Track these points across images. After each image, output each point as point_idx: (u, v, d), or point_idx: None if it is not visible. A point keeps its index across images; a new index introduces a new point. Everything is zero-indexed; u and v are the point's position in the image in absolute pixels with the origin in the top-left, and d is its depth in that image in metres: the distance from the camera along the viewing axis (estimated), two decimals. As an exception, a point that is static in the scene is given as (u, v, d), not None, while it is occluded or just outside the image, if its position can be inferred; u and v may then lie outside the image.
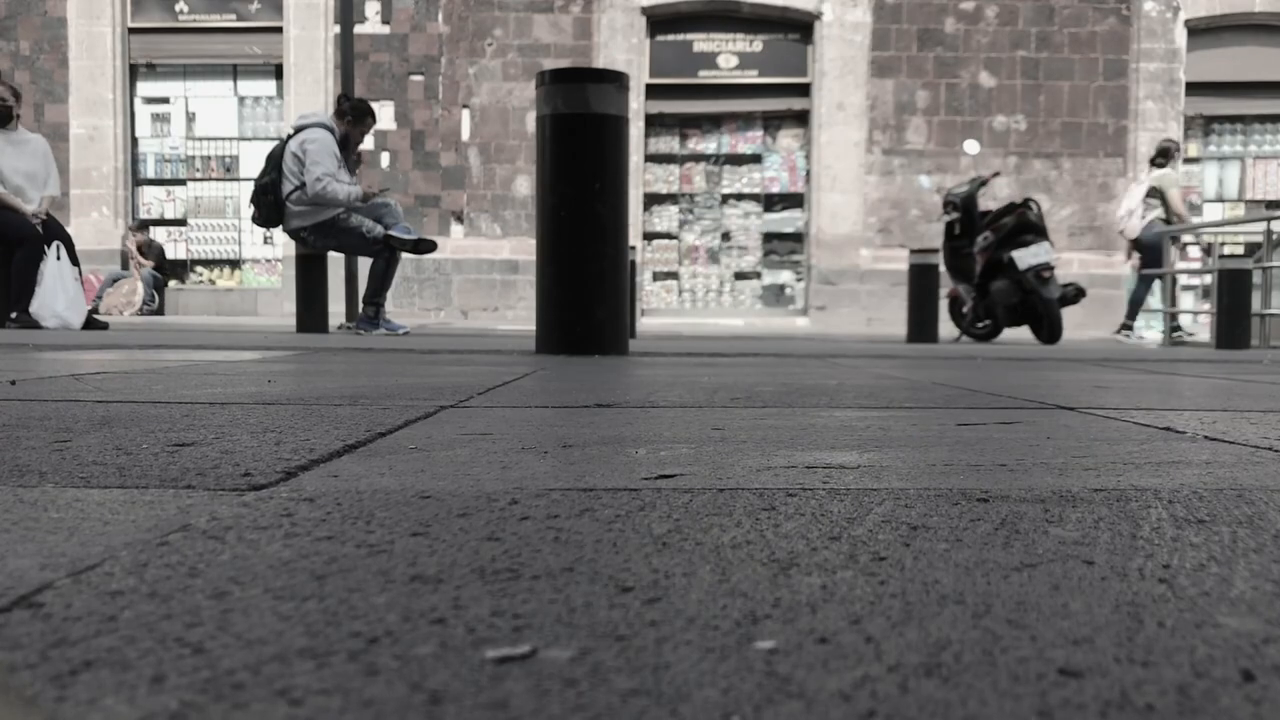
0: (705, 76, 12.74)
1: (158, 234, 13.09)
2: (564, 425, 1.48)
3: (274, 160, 6.40)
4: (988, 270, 7.23)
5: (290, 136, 6.38)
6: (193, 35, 12.85)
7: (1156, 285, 9.21)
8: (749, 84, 12.74)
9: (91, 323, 6.52)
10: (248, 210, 12.96)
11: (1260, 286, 7.26)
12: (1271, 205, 12.75)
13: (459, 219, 12.47)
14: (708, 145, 13.00)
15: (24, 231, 6.28)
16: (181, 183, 13.16)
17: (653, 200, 13.00)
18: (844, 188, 12.43)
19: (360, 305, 6.47)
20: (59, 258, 6.31)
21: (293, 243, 6.65)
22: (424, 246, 6.42)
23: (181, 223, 13.19)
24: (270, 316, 12.40)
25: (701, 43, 12.77)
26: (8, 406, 1.61)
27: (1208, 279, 12.01)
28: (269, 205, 6.39)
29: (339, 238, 6.36)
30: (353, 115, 6.44)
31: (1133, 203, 9.04)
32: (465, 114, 12.41)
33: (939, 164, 12.37)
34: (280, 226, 6.47)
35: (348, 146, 6.47)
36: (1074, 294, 6.93)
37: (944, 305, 7.86)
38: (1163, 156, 8.99)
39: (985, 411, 1.80)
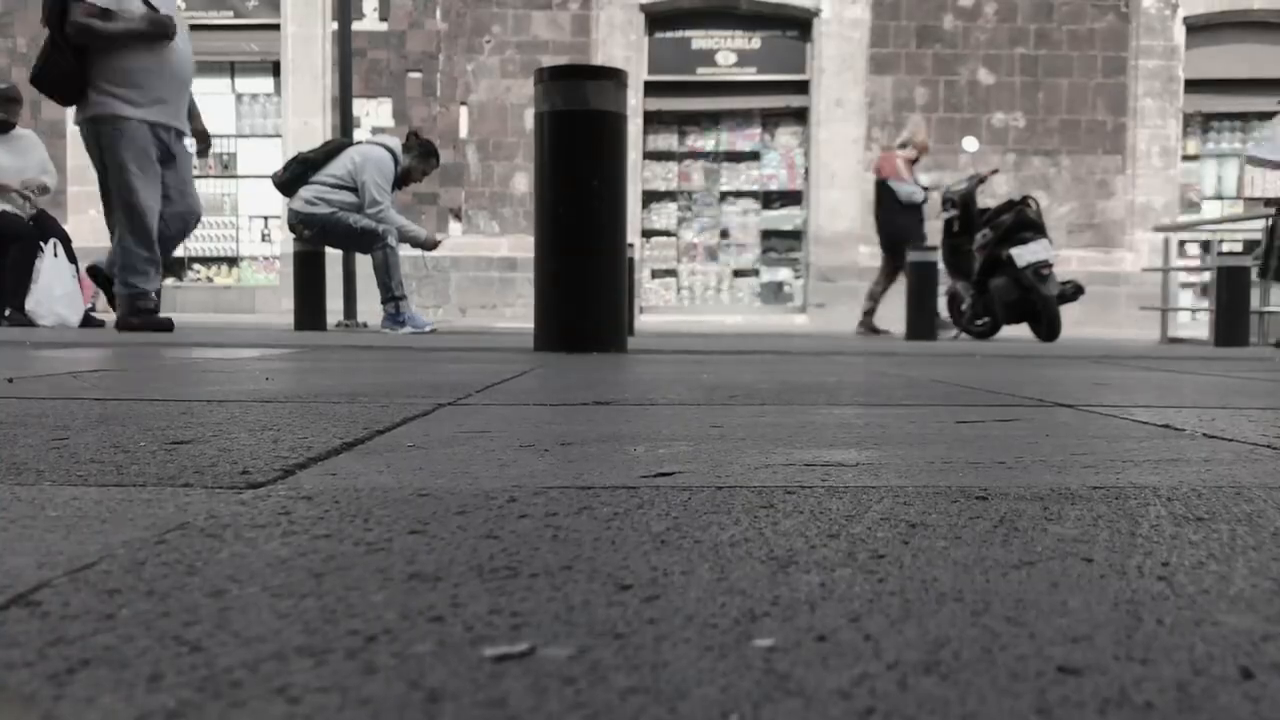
0: (704, 74, 12.73)
1: (156, 231, 13.07)
2: (562, 423, 1.48)
3: (331, 149, 6.44)
4: (986, 267, 7.23)
5: (358, 142, 6.50)
6: (190, 32, 12.83)
7: None
8: (747, 81, 12.74)
9: (89, 320, 6.51)
10: (248, 204, 12.99)
11: (1259, 284, 7.27)
12: (1270, 203, 12.74)
13: (457, 216, 12.47)
14: (706, 142, 13.00)
15: (17, 229, 6.27)
16: (179, 180, 13.15)
17: (651, 197, 13.00)
18: (842, 185, 12.43)
19: (381, 305, 6.46)
20: (56, 255, 6.31)
21: (291, 240, 6.65)
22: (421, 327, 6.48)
23: (179, 220, 13.18)
24: (268, 314, 12.39)
25: (700, 40, 12.76)
26: (5, 404, 1.61)
27: (1206, 276, 12.02)
28: (295, 175, 6.42)
29: (334, 233, 6.36)
30: (420, 151, 6.50)
31: None
32: (463, 111, 12.40)
33: (938, 161, 12.37)
34: (289, 197, 6.47)
35: (407, 181, 6.54)
36: (1072, 291, 6.93)
37: (943, 303, 7.87)
38: None
39: (984, 409, 1.80)
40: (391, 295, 6.37)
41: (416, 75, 12.41)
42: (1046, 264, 6.89)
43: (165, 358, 3.06)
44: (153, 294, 5.28)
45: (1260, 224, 8.28)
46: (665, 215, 13.06)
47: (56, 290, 6.28)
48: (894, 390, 2.22)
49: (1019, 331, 8.65)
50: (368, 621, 0.52)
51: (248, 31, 12.78)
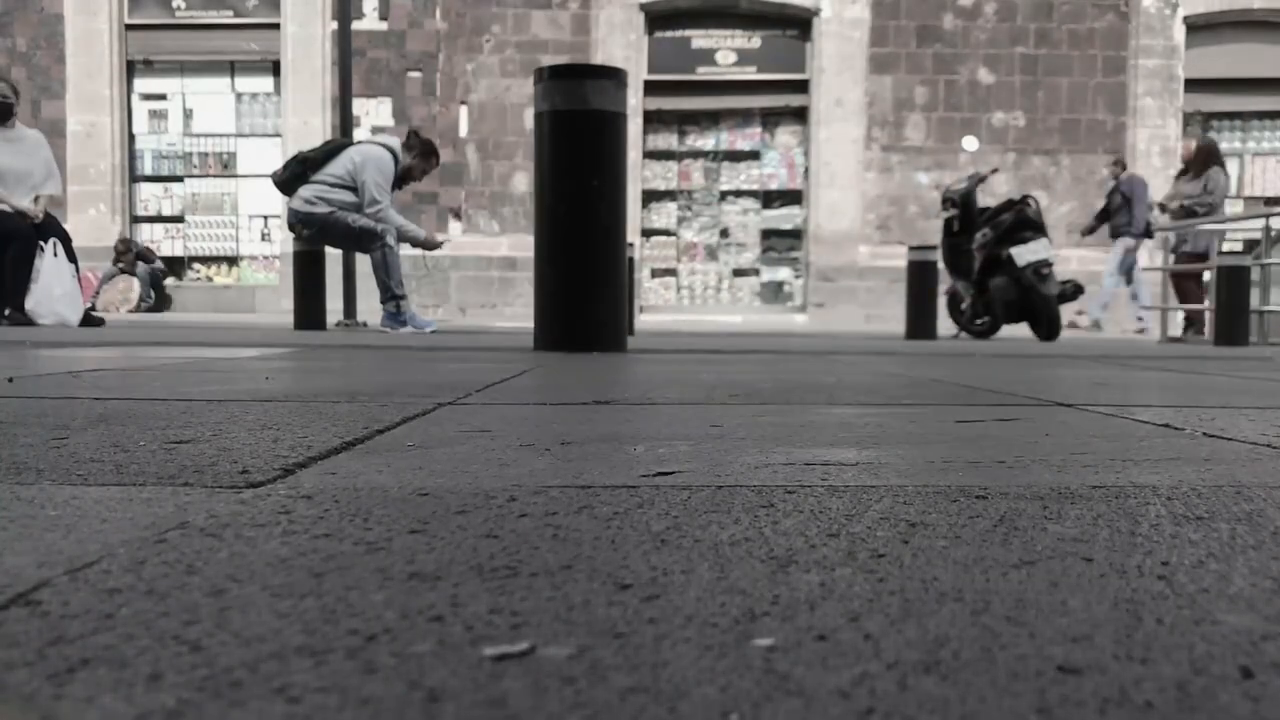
0: (704, 73, 12.73)
1: (155, 231, 13.07)
2: (562, 422, 1.48)
3: (331, 149, 6.45)
4: (986, 267, 7.23)
5: (358, 142, 6.51)
6: (190, 31, 12.83)
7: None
8: (747, 80, 12.74)
9: (88, 319, 6.52)
10: (248, 204, 12.99)
11: (1259, 283, 7.27)
12: (1270, 202, 12.75)
13: (457, 216, 12.47)
14: (706, 142, 13.00)
15: (15, 227, 6.27)
16: (179, 179, 13.15)
17: (651, 197, 13.00)
18: (842, 184, 12.43)
19: (381, 304, 6.46)
20: (56, 255, 6.30)
21: (291, 240, 6.66)
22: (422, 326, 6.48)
23: (179, 220, 13.18)
24: (268, 314, 12.39)
25: (700, 39, 12.76)
26: (5, 403, 1.61)
27: (1206, 276, 12.01)
28: (295, 174, 6.41)
29: (333, 232, 6.36)
30: (420, 151, 6.51)
31: None
32: (463, 110, 12.40)
33: (938, 160, 12.37)
34: (289, 197, 6.47)
35: (406, 180, 6.54)
36: (1072, 291, 6.93)
37: (942, 302, 7.88)
38: None
39: (984, 408, 1.80)
40: (391, 294, 6.37)
41: (416, 75, 12.40)
42: (1046, 263, 6.88)
43: (165, 358, 3.06)
44: None
45: (1259, 223, 8.28)
46: (665, 215, 13.06)
47: (56, 290, 6.28)
48: (894, 390, 2.22)
49: (1019, 331, 8.64)
50: (368, 621, 0.52)
51: (248, 31, 12.78)
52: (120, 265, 12.09)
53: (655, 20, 12.66)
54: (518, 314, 12.23)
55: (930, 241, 8.86)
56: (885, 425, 1.50)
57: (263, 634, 0.50)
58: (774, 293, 13.13)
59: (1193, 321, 9.21)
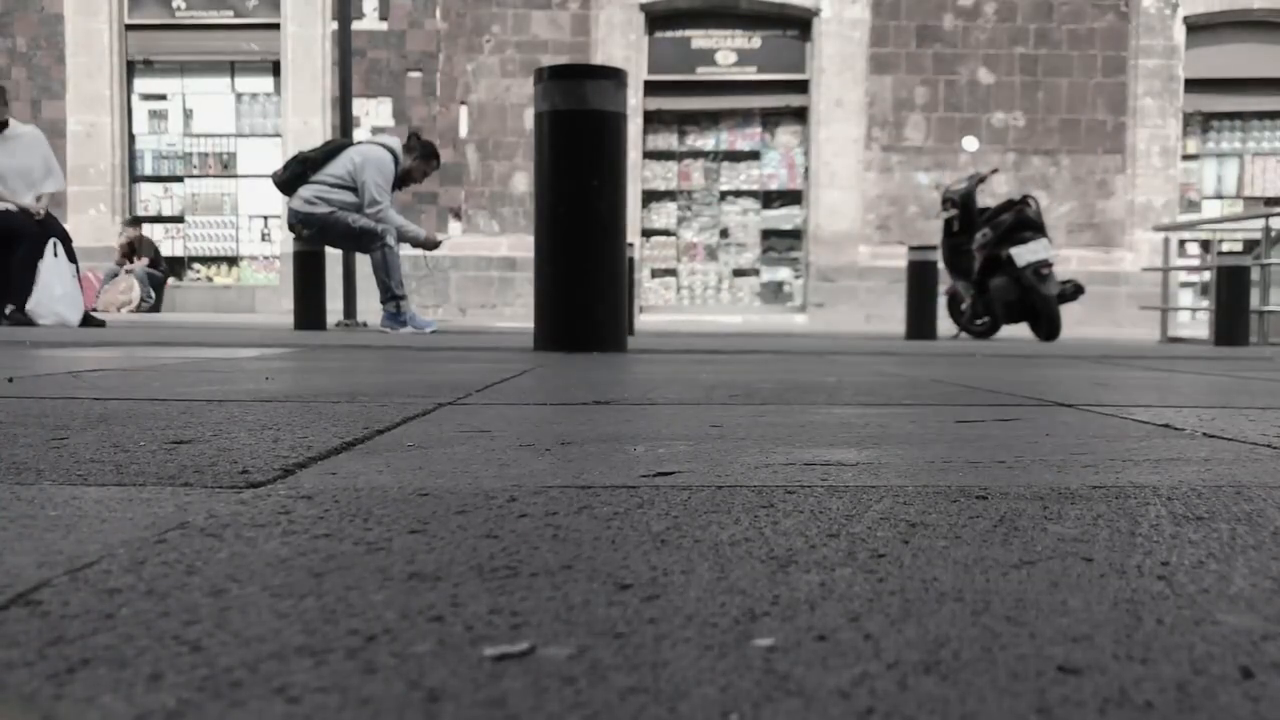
0: (704, 73, 12.73)
1: (154, 231, 13.06)
2: (562, 422, 1.48)
3: (332, 149, 6.45)
4: (986, 267, 7.23)
5: (358, 142, 6.51)
6: (190, 32, 12.83)
7: None
8: (747, 81, 12.73)
9: (89, 320, 6.52)
10: (248, 204, 12.99)
11: (1259, 283, 7.27)
12: (1270, 202, 12.75)
13: (457, 216, 12.47)
14: (706, 142, 13.00)
15: (22, 228, 6.27)
16: (179, 179, 13.15)
17: (651, 197, 13.00)
18: (842, 184, 12.43)
19: (381, 304, 6.47)
20: (56, 255, 6.31)
21: (291, 240, 6.66)
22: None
23: (179, 220, 13.18)
24: (268, 314, 12.39)
25: (700, 39, 12.76)
26: (5, 404, 1.61)
27: (1206, 276, 12.01)
28: (295, 174, 6.42)
29: (333, 232, 6.36)
30: (421, 153, 6.52)
31: None
32: (463, 111, 12.40)
33: (937, 160, 12.36)
34: (289, 197, 6.47)
35: (407, 182, 6.56)
36: (1072, 291, 6.93)
37: (942, 302, 7.88)
38: None
39: (984, 409, 1.80)
40: (391, 295, 6.37)
41: (416, 75, 12.40)
42: (1046, 263, 6.88)
43: (165, 358, 3.06)
44: None
45: (1259, 224, 8.29)
46: (665, 215, 13.06)
47: (56, 290, 6.28)
48: (894, 390, 2.22)
49: (1019, 331, 8.64)
50: (368, 621, 0.52)
51: (248, 31, 12.78)
52: (121, 263, 12.08)
53: (655, 20, 12.66)
54: (518, 314, 12.23)
55: (930, 241, 8.87)
56: (885, 425, 1.50)
57: (263, 634, 0.50)
58: (774, 293, 13.12)
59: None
